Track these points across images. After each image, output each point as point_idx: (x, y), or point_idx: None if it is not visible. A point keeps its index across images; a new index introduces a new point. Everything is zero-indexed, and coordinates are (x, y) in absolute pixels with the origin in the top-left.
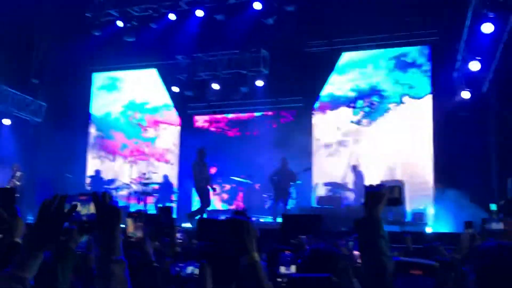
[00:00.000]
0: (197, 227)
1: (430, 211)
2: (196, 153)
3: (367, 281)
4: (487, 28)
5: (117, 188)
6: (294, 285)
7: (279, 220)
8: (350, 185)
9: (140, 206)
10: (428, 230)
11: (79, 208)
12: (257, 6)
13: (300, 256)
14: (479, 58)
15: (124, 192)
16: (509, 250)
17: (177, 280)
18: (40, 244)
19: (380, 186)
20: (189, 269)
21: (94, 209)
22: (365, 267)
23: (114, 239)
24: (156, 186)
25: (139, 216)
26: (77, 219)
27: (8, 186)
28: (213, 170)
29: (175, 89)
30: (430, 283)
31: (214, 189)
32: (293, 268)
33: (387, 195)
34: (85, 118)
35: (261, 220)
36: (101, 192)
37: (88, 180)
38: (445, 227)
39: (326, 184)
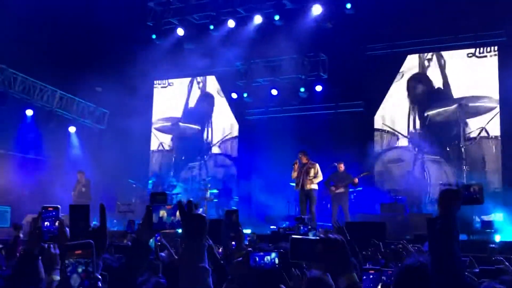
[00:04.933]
0: (290, 246)
1: (499, 217)
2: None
3: (437, 283)
4: None
5: (177, 194)
6: None
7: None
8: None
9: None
10: (497, 238)
11: (164, 214)
12: (316, 10)
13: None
14: None
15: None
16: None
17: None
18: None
19: (456, 184)
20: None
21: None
22: (435, 269)
23: (200, 247)
24: (216, 191)
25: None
26: (161, 226)
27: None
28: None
29: (234, 95)
30: None
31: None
32: None
33: (463, 193)
34: (147, 124)
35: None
36: (186, 201)
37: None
38: None
39: (389, 191)
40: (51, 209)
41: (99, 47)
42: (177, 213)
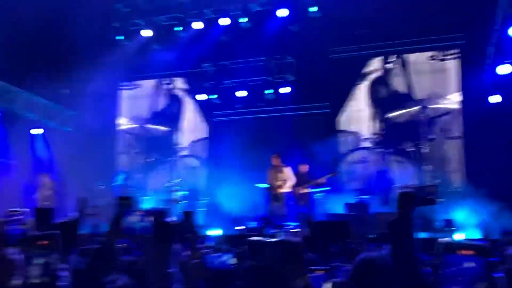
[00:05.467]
0: (248, 248)
1: (461, 216)
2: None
3: (398, 281)
4: None
5: (146, 196)
6: None
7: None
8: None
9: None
10: (459, 236)
11: (135, 220)
12: (282, 13)
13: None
14: (509, 61)
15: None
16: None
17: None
18: None
19: (413, 187)
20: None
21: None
22: (396, 268)
23: (168, 253)
24: (184, 193)
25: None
26: (132, 231)
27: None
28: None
29: (202, 97)
30: (482, 262)
31: None
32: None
33: (420, 194)
34: (115, 126)
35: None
36: (158, 209)
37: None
38: (475, 234)
39: (354, 190)
40: (16, 213)
41: (65, 48)
42: (147, 218)
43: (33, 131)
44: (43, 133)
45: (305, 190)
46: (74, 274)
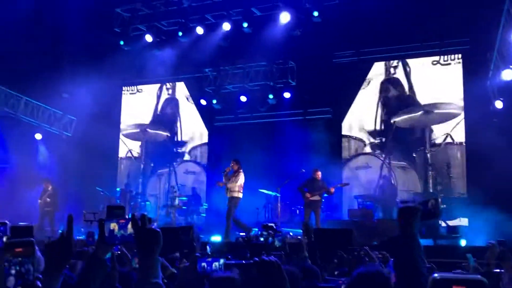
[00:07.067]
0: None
1: (465, 222)
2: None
3: None
4: None
5: (146, 201)
6: None
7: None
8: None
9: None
10: (463, 243)
11: (115, 227)
12: (284, 17)
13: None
14: None
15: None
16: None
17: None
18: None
19: (413, 201)
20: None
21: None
22: (401, 285)
23: (153, 262)
24: (185, 199)
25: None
26: (111, 240)
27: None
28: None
29: (203, 102)
30: None
31: None
32: None
33: (421, 209)
34: (116, 131)
35: (291, 233)
36: (140, 215)
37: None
38: (480, 240)
39: (357, 197)
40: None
41: (66, 53)
42: (129, 226)
43: (36, 136)
44: (44, 138)
45: (316, 198)
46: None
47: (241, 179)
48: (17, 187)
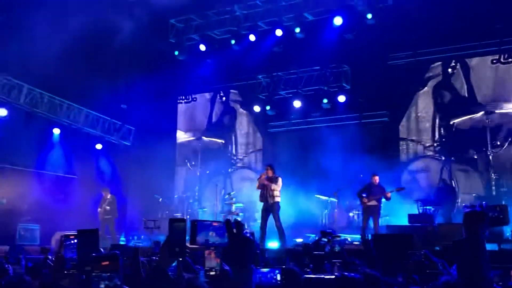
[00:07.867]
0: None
1: None
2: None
3: None
4: None
5: (203, 208)
6: None
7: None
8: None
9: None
10: None
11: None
12: (337, 21)
13: None
14: None
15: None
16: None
17: None
18: None
19: (480, 205)
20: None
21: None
22: None
23: (247, 275)
24: (241, 205)
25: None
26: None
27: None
28: None
29: (257, 108)
30: None
31: None
32: None
33: (489, 215)
34: (172, 140)
35: (349, 239)
36: (235, 220)
37: (175, 201)
38: None
39: (416, 201)
40: (72, 237)
41: (123, 64)
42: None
43: (97, 146)
44: (104, 148)
45: (373, 203)
46: None
47: (280, 183)
48: (80, 196)
